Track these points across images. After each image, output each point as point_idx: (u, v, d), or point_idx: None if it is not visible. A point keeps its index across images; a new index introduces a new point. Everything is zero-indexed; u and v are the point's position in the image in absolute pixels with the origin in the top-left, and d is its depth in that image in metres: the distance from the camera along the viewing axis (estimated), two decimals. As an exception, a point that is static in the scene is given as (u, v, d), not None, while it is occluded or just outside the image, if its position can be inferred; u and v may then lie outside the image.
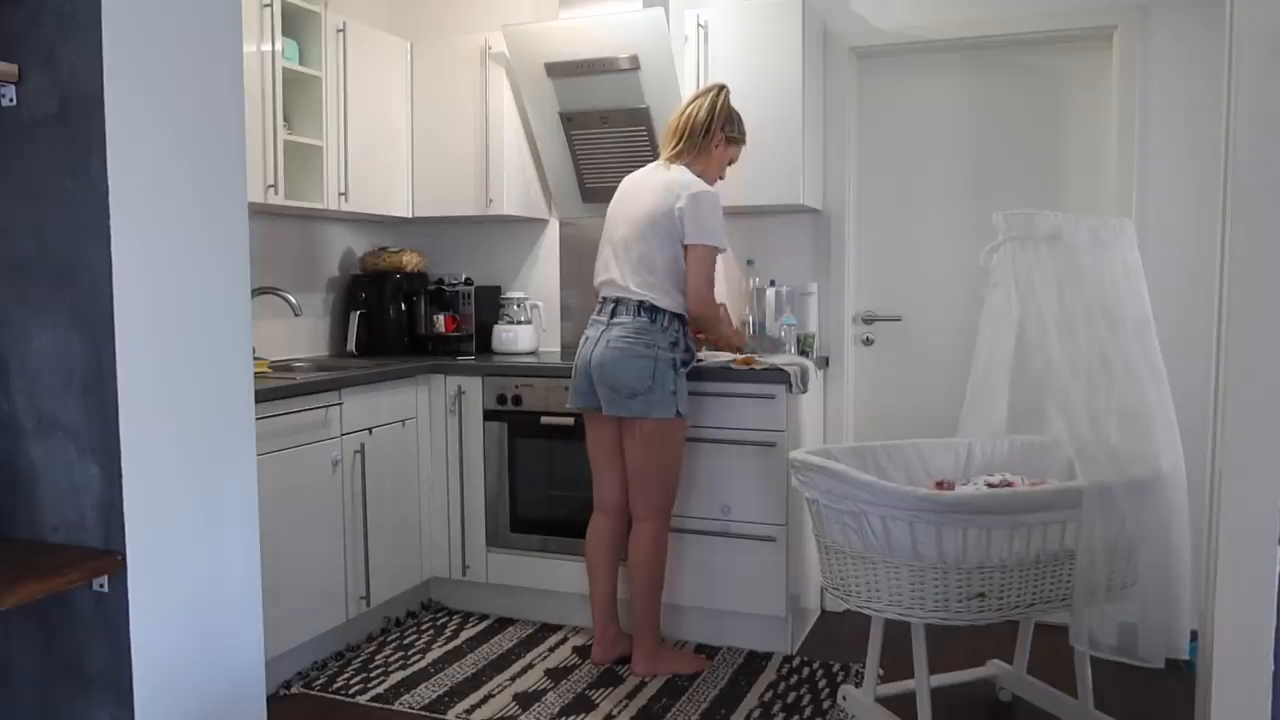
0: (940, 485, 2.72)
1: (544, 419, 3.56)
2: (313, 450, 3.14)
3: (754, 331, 3.73)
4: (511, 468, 3.64)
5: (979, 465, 2.86)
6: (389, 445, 3.52)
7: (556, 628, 3.61)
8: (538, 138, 3.95)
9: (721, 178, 3.25)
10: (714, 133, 3.13)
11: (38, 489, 1.85)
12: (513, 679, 3.15)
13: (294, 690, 3.07)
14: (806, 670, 3.20)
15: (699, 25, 3.56)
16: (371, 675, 3.18)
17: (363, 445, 3.36)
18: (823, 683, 3.10)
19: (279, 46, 3.31)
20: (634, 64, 3.60)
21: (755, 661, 3.26)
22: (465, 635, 3.54)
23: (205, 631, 1.97)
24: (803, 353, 3.64)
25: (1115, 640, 2.42)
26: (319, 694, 3.05)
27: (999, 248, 2.60)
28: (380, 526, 3.46)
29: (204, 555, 1.96)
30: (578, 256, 4.19)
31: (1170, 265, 3.25)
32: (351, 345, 4.02)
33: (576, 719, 2.87)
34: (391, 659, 3.31)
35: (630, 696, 3.01)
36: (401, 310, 4.06)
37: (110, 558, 1.77)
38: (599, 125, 3.81)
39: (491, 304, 4.14)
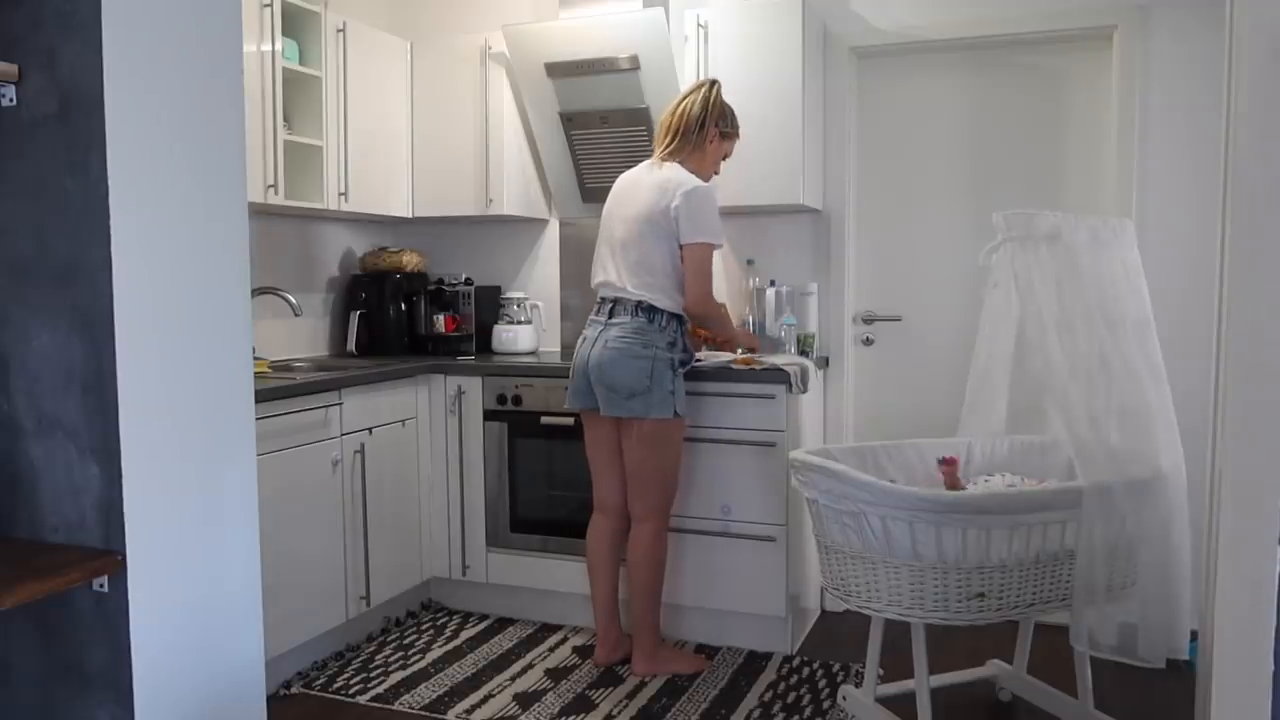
0: (945, 461, 2.70)
1: (544, 419, 3.56)
2: (313, 450, 3.14)
3: (754, 332, 3.73)
4: (511, 468, 3.64)
5: (979, 465, 2.86)
6: (389, 445, 3.52)
7: (556, 628, 3.61)
8: (538, 138, 3.95)
9: (716, 173, 3.24)
10: (708, 128, 3.11)
11: (38, 489, 1.85)
12: (513, 679, 3.15)
13: (294, 690, 3.07)
14: (806, 670, 3.20)
15: (699, 25, 3.56)
16: (371, 675, 3.18)
17: (363, 445, 3.36)
18: (823, 683, 3.10)
19: (279, 46, 3.31)
20: (634, 64, 3.60)
21: (755, 661, 3.26)
22: (465, 635, 3.54)
23: (205, 631, 1.97)
24: (803, 353, 3.64)
25: (1115, 640, 2.42)
26: (319, 694, 3.05)
27: (999, 248, 2.60)
28: (380, 526, 3.46)
29: (204, 555, 1.96)
30: (578, 256, 4.19)
31: (1170, 265, 3.25)
32: (351, 345, 4.02)
33: (576, 719, 2.87)
34: (391, 659, 3.31)
35: (630, 696, 3.01)
36: (401, 310, 4.06)
37: (110, 558, 1.77)
38: (599, 125, 3.81)
39: (491, 304, 4.14)
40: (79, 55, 1.74)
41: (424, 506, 3.73)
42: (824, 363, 3.73)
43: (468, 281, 4.09)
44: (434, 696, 3.01)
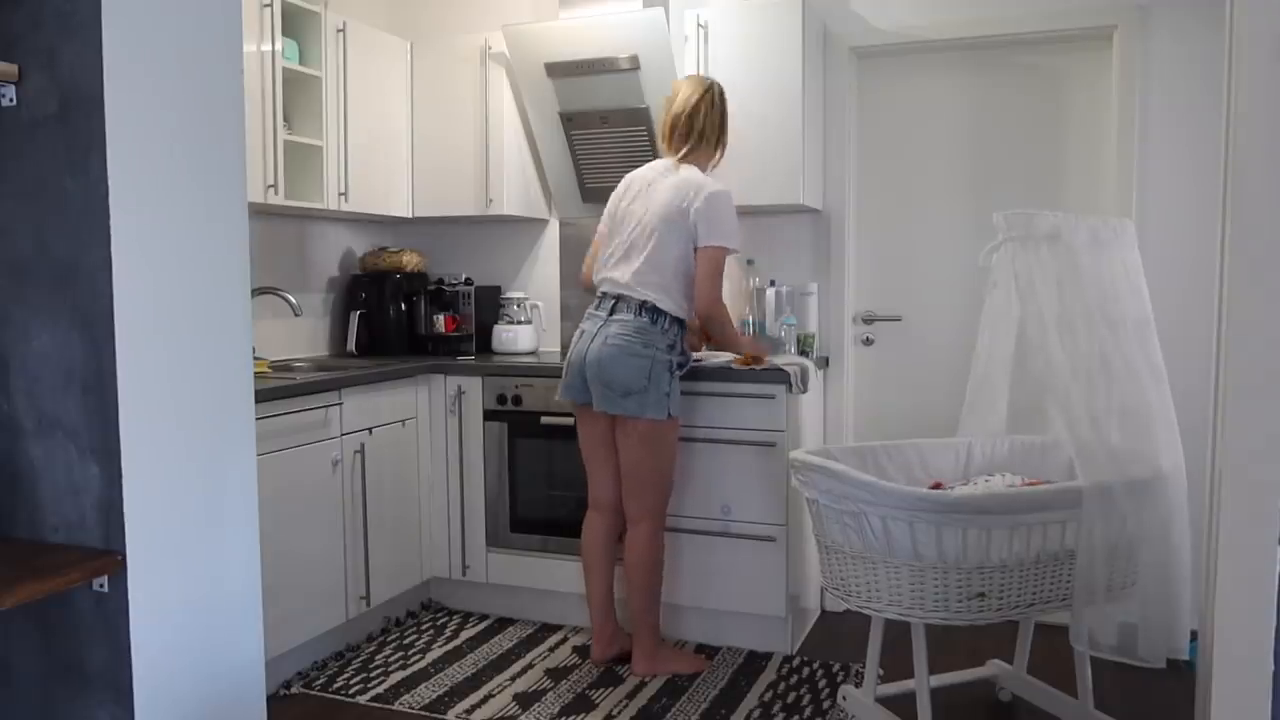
0: (936, 487, 2.71)
1: (544, 419, 3.56)
2: (313, 450, 3.14)
3: (754, 331, 3.73)
4: (511, 468, 3.64)
5: (979, 465, 2.87)
6: (389, 445, 3.52)
7: (556, 628, 3.61)
8: (538, 138, 3.95)
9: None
10: (724, 136, 3.19)
11: (38, 489, 1.85)
12: (513, 679, 3.15)
13: (294, 690, 3.07)
14: (806, 670, 3.20)
15: (699, 25, 3.56)
16: (371, 675, 3.18)
17: (363, 445, 3.36)
18: (823, 683, 3.10)
19: (279, 46, 3.31)
20: (634, 64, 3.60)
21: (755, 661, 3.26)
22: (465, 635, 3.54)
23: (205, 631, 1.97)
24: (803, 353, 3.64)
25: (1115, 640, 2.42)
26: (319, 694, 3.05)
27: (999, 248, 2.60)
28: (380, 526, 3.46)
29: (204, 555, 1.96)
30: (578, 256, 4.18)
31: (1170, 265, 3.25)
32: (351, 345, 4.02)
33: (576, 719, 2.87)
34: (391, 659, 3.31)
35: (630, 696, 3.01)
36: (401, 310, 4.06)
37: (110, 558, 1.77)
38: (599, 125, 3.81)
39: (491, 304, 4.14)
40: (79, 55, 1.74)
41: (424, 506, 3.73)
42: (824, 363, 3.73)
43: (468, 281, 4.09)
44: (434, 696, 3.01)
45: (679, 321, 3.07)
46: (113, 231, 1.75)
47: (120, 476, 1.77)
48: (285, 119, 3.43)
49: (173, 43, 1.87)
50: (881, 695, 2.74)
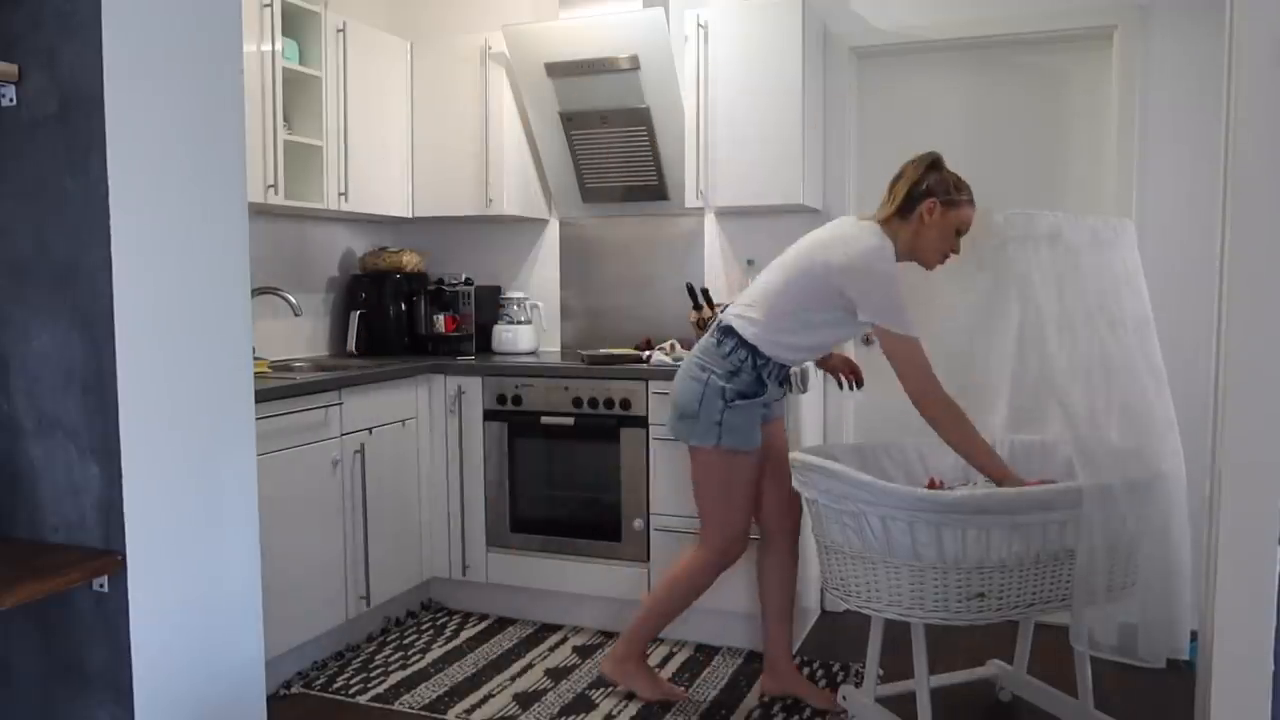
0: (933, 484, 2.71)
1: (544, 419, 3.56)
2: (313, 450, 3.14)
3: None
4: (511, 468, 3.64)
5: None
6: (389, 445, 3.52)
7: (556, 628, 3.61)
8: (538, 138, 3.95)
9: (955, 250, 2.76)
10: (915, 202, 2.70)
11: (38, 489, 1.85)
12: (513, 679, 3.15)
13: (294, 690, 3.07)
14: (806, 670, 3.19)
15: (699, 25, 3.55)
16: (371, 675, 3.18)
17: (363, 445, 3.36)
18: (823, 683, 3.10)
19: (279, 46, 3.31)
20: (634, 64, 3.61)
21: (755, 661, 3.26)
22: (465, 635, 3.54)
23: (205, 631, 1.97)
24: (803, 353, 3.63)
25: (1115, 640, 2.42)
26: (319, 694, 3.05)
27: (1000, 248, 2.60)
28: (380, 526, 3.46)
29: (204, 555, 1.96)
30: (578, 256, 4.20)
31: (1170, 265, 3.25)
32: (351, 345, 4.02)
33: (576, 719, 2.87)
34: (391, 659, 3.31)
35: (630, 696, 3.01)
36: (401, 310, 4.06)
37: (110, 558, 1.77)
38: (599, 125, 3.81)
39: (491, 304, 4.14)
40: (79, 55, 1.74)
41: (424, 506, 3.73)
42: (824, 363, 3.72)
43: (468, 281, 4.09)
44: (434, 696, 3.01)
45: (754, 350, 2.74)
46: (113, 231, 1.75)
47: (120, 476, 1.77)
48: (285, 119, 3.43)
49: (173, 43, 1.87)
50: (881, 695, 2.74)
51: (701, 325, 3.64)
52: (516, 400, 3.60)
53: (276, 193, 3.32)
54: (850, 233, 2.73)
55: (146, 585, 1.82)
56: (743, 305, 2.82)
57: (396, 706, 2.95)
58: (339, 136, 3.62)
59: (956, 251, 2.75)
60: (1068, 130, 3.55)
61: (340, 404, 3.26)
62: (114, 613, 1.80)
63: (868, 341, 3.82)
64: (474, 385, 3.66)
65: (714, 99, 3.55)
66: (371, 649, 3.40)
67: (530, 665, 3.26)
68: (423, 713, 2.91)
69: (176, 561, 1.90)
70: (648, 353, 3.63)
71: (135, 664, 1.80)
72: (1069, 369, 2.40)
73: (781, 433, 3.01)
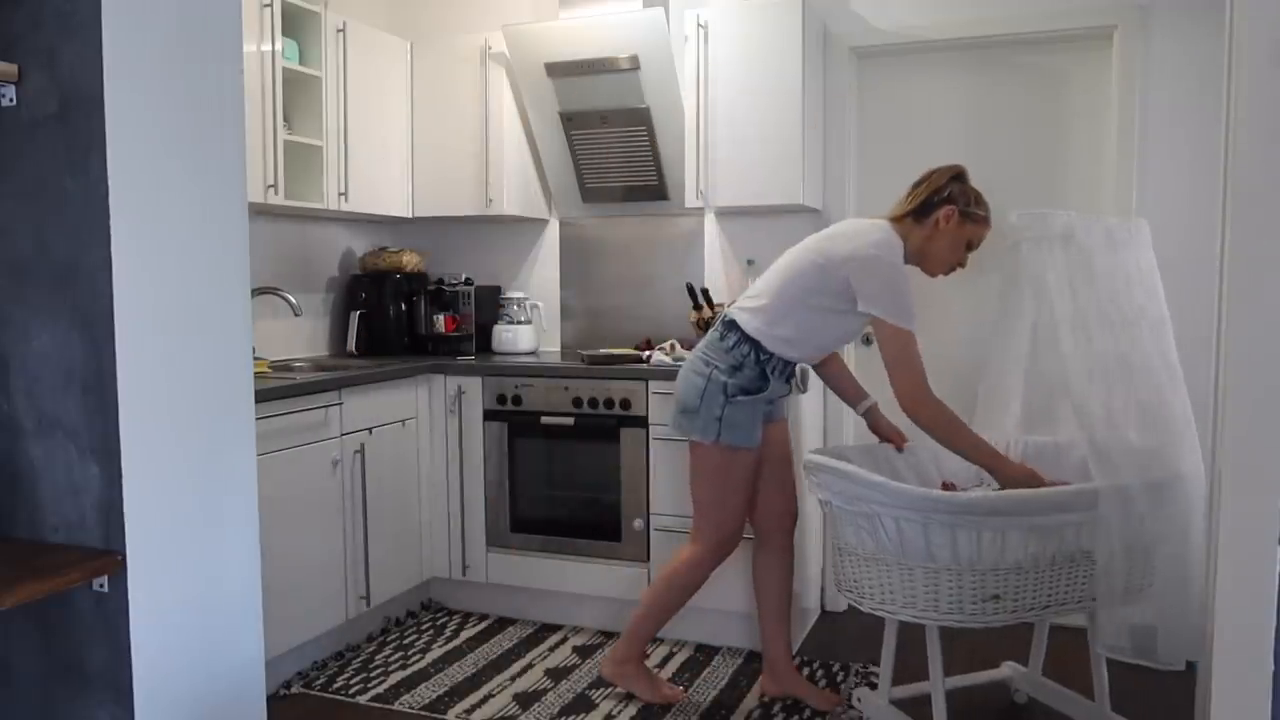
0: (946, 487, 2.70)
1: (544, 419, 3.56)
2: (313, 450, 3.14)
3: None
4: (511, 468, 3.64)
5: None
6: (389, 445, 3.52)
7: (556, 628, 3.61)
8: (538, 138, 3.95)
9: (962, 264, 2.76)
10: (932, 209, 2.68)
11: (38, 489, 1.85)
12: (513, 679, 3.15)
13: (294, 690, 3.07)
14: (806, 670, 3.19)
15: (699, 25, 3.55)
16: (371, 675, 3.18)
17: (363, 445, 3.36)
18: (823, 683, 3.10)
19: (279, 46, 3.31)
20: (634, 64, 3.61)
21: (755, 661, 3.26)
22: (465, 635, 3.54)
23: (205, 631, 1.97)
24: (803, 353, 3.63)
25: (1133, 642, 2.40)
26: (319, 694, 3.05)
27: (1013, 247, 2.58)
28: (380, 526, 3.46)
29: (204, 555, 1.96)
30: (578, 256, 4.19)
31: (1170, 265, 3.22)
32: (351, 345, 4.02)
33: (576, 719, 2.87)
34: (391, 659, 3.31)
35: (630, 696, 3.01)
36: (401, 310, 4.06)
37: (110, 558, 1.77)
38: (599, 125, 3.81)
39: (491, 304, 4.14)
40: (79, 55, 1.74)
41: (424, 506, 3.73)
42: (824, 363, 3.72)
43: (468, 281, 4.09)
44: (434, 696, 3.01)
45: (757, 345, 2.72)
46: (113, 231, 1.75)
47: (120, 476, 1.77)
48: (285, 119, 3.43)
49: (173, 43, 1.87)
50: (895, 698, 2.72)
51: (701, 325, 3.64)
52: (516, 400, 3.60)
53: (276, 193, 3.32)
54: (858, 227, 2.75)
55: (146, 585, 1.82)
56: (747, 299, 2.81)
57: (396, 706, 2.95)
58: (339, 136, 3.62)
59: (963, 265, 2.75)
60: (1068, 130, 3.55)
61: (340, 404, 3.26)
62: (114, 613, 1.80)
63: (868, 341, 3.83)
64: (474, 385, 3.66)
65: (714, 99, 3.55)
66: (371, 649, 3.40)
67: (530, 665, 3.26)
68: (423, 713, 2.91)
69: (176, 561, 1.90)
70: (648, 353, 3.63)
71: (135, 664, 1.80)
72: (1083, 369, 2.39)
73: (785, 434, 2.99)
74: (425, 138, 4.01)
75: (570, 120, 3.82)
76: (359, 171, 3.72)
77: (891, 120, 3.76)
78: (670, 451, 3.37)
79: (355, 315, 4.03)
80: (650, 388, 3.41)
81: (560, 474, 3.60)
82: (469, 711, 2.91)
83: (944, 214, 2.66)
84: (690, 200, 3.64)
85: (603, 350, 3.76)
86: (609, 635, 3.52)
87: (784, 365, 2.77)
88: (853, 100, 3.77)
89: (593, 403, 3.48)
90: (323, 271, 4.08)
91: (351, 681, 3.13)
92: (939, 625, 2.39)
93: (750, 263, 3.84)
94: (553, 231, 4.23)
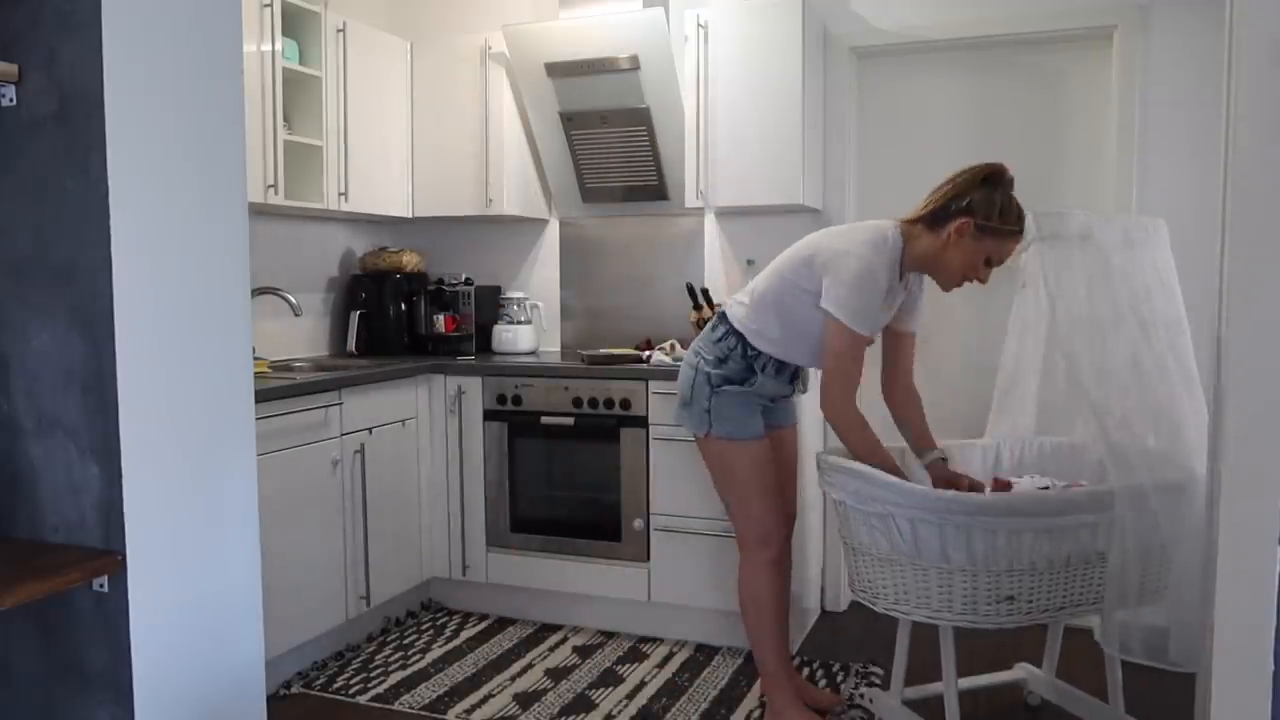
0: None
1: (544, 419, 3.56)
2: (313, 450, 3.14)
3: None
4: (511, 468, 3.64)
5: (1007, 467, 2.83)
6: (389, 445, 3.52)
7: (556, 628, 3.61)
8: (538, 138, 3.95)
9: (981, 280, 2.59)
10: (949, 214, 2.50)
11: (38, 489, 1.85)
12: (513, 679, 3.15)
13: (294, 690, 3.07)
14: (807, 670, 3.19)
15: (699, 25, 3.55)
16: (371, 675, 3.18)
17: (363, 445, 3.36)
18: (823, 683, 3.10)
19: (279, 46, 3.31)
20: (634, 64, 3.61)
21: (755, 661, 3.25)
22: (465, 635, 3.54)
23: (205, 631, 1.97)
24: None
25: (1148, 644, 2.39)
26: (319, 694, 3.05)
27: (1028, 247, 2.56)
28: (380, 526, 3.46)
29: (204, 555, 1.96)
30: (578, 256, 4.19)
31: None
32: (351, 345, 4.02)
33: (576, 719, 2.87)
34: (391, 659, 3.31)
35: (630, 696, 3.01)
36: (401, 310, 4.06)
37: (110, 558, 1.77)
38: (599, 125, 3.81)
39: (491, 304, 4.14)
40: (79, 55, 1.74)
41: (424, 506, 3.73)
42: (824, 363, 3.72)
43: (468, 281, 4.09)
44: (434, 696, 3.01)
45: (743, 338, 2.68)
46: (113, 231, 1.75)
47: (120, 476, 1.77)
48: (285, 119, 3.43)
49: (173, 43, 1.87)
50: (908, 698, 2.72)
51: (701, 325, 3.64)
52: (516, 400, 3.60)
53: (276, 193, 3.32)
54: (856, 226, 2.66)
55: (146, 585, 1.82)
56: (741, 292, 2.78)
57: (396, 706, 2.95)
58: (339, 136, 3.62)
59: (983, 281, 2.57)
60: (1068, 129, 3.55)
61: (340, 404, 3.26)
62: (114, 613, 1.80)
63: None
64: (474, 385, 3.66)
65: (714, 99, 3.55)
66: (371, 649, 3.40)
67: (530, 665, 3.26)
68: (423, 713, 2.91)
69: (176, 561, 1.90)
70: (648, 353, 3.63)
71: (135, 664, 1.80)
72: (1099, 370, 2.37)
73: (795, 440, 2.97)
74: (425, 138, 4.01)
75: (570, 120, 3.82)
76: (359, 171, 3.72)
77: (891, 120, 3.76)
78: (670, 451, 3.38)
79: (355, 315, 4.03)
80: (650, 388, 3.41)
81: (560, 474, 3.60)
82: (469, 711, 2.91)
83: (958, 225, 2.47)
84: (690, 200, 3.64)
85: (603, 350, 3.76)
86: (609, 635, 3.52)
87: (776, 363, 2.70)
88: (853, 100, 3.77)
89: (593, 403, 3.48)
90: (323, 271, 4.08)
91: (351, 681, 3.13)
92: (952, 626, 2.38)
93: (750, 263, 3.84)
94: (553, 231, 4.23)
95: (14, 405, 1.86)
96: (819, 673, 3.17)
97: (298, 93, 3.50)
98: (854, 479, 2.41)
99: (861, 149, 3.81)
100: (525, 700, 2.99)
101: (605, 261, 4.15)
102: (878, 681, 3.07)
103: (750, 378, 2.69)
